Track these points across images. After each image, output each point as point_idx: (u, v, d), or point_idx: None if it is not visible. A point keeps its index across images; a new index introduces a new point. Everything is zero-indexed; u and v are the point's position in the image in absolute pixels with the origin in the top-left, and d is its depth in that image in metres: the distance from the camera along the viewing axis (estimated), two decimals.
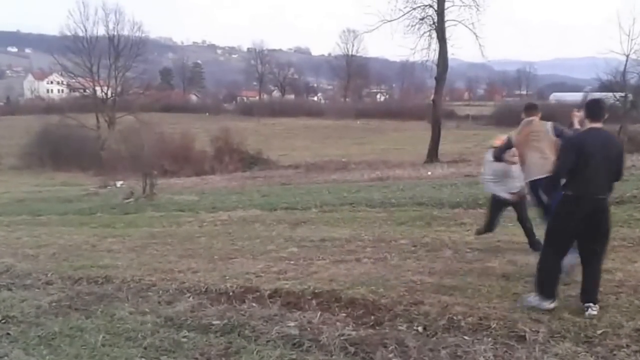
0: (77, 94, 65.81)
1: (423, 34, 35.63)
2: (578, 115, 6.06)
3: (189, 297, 5.77)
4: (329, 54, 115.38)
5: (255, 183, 26.06)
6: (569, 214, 4.78)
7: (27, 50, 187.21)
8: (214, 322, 4.91)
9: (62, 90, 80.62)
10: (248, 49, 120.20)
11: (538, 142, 6.11)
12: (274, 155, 40.60)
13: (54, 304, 5.75)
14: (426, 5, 35.29)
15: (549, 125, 6.18)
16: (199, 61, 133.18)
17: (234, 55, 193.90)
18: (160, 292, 5.99)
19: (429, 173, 23.63)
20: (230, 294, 5.79)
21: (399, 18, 35.11)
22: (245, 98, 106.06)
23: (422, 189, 15.69)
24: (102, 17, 61.41)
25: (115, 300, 5.76)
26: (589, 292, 4.81)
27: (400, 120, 67.84)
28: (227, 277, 6.44)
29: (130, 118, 52.10)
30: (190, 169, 36.14)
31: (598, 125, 4.83)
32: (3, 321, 5.20)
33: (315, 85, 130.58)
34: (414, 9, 35.20)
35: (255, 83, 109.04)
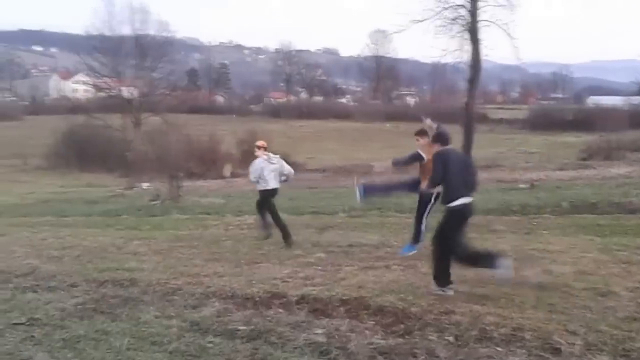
0: (103, 94, 66.62)
1: (455, 35, 35.07)
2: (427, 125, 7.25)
3: (214, 301, 5.70)
4: (358, 55, 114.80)
5: (281, 186, 25.94)
6: None
7: (53, 50, 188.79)
8: (240, 328, 4.84)
9: (88, 90, 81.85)
10: (275, 49, 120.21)
11: None
12: (301, 158, 40.51)
13: (79, 306, 5.72)
14: (458, 5, 34.75)
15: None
16: (225, 62, 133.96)
17: (261, 56, 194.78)
18: (186, 296, 5.93)
19: None
20: (257, 299, 5.72)
21: (429, 18, 34.59)
22: (272, 99, 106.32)
23: None
24: (127, 16, 62.05)
25: (141, 304, 5.72)
26: None
27: None
28: (254, 282, 6.37)
29: (156, 119, 52.57)
30: (216, 172, 36.27)
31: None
32: (27, 323, 5.18)
33: (344, 87, 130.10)
34: (446, 9, 34.65)
35: (282, 84, 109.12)
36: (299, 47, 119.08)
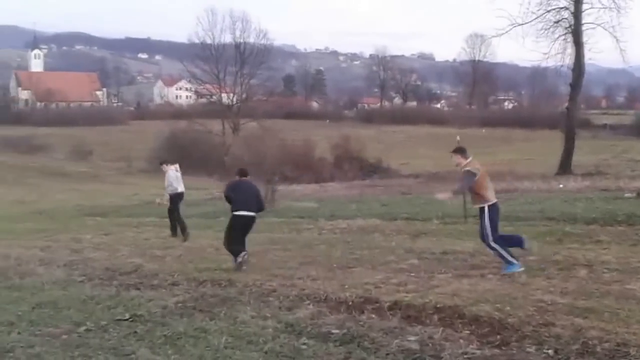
0: (204, 100, 69.48)
1: (557, 38, 33.63)
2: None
3: (308, 304, 5.76)
4: (454, 60, 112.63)
5: (374, 192, 26.01)
6: None
7: (157, 57, 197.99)
8: (334, 331, 4.86)
9: (190, 97, 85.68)
10: (370, 55, 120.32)
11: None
12: (394, 163, 40.29)
13: (179, 304, 5.93)
14: (561, 8, 33.32)
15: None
16: (321, 68, 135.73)
17: (355, 62, 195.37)
18: (281, 297, 6.04)
19: (561, 186, 22.29)
20: (350, 303, 5.72)
21: (531, 21, 33.41)
22: (365, 105, 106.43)
23: (552, 203, 14.81)
24: (229, 24, 64.23)
25: (238, 304, 5.86)
26: None
27: (530, 129, 64.39)
28: (346, 286, 6.38)
29: (253, 124, 54.15)
30: (310, 176, 36.78)
31: None
32: (131, 319, 5.38)
33: (438, 92, 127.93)
34: (548, 11, 33.34)
35: (376, 90, 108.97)
36: (393, 53, 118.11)
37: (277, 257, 8.86)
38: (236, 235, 8.29)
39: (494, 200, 7.28)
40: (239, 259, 7.96)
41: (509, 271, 6.93)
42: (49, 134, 58.98)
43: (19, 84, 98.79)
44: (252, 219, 8.36)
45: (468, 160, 7.41)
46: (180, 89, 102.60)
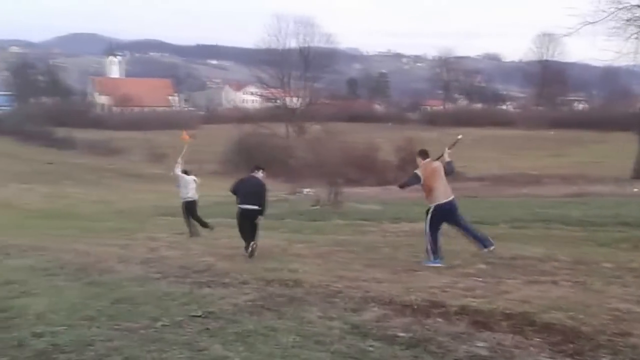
0: (269, 104, 70.64)
1: (630, 37, 32.22)
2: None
3: (374, 306, 5.77)
4: (520, 60, 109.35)
5: None
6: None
7: (226, 63, 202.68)
8: (400, 334, 4.85)
9: (256, 101, 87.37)
10: (433, 57, 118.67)
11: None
12: (458, 166, 39.46)
13: (249, 302, 6.04)
14: (633, 6, 31.89)
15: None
16: (384, 71, 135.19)
17: (419, 64, 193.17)
18: (346, 299, 6.07)
19: (636, 190, 21.36)
20: (415, 307, 5.69)
21: (601, 20, 32.14)
22: (429, 107, 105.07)
23: (628, 208, 14.24)
24: (294, 29, 65.11)
25: (304, 304, 5.94)
26: None
27: (602, 131, 61.52)
28: (411, 290, 6.36)
29: (317, 127, 54.60)
30: (373, 179, 36.68)
31: None
32: (203, 316, 5.52)
33: (505, 93, 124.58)
34: (619, 9, 31.97)
35: (440, 92, 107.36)
36: (458, 54, 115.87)
37: (342, 258, 8.93)
38: (243, 226, 9.44)
39: (442, 201, 8.30)
40: (249, 250, 9.17)
41: (427, 264, 8.03)
42: (125, 138, 61.48)
43: (97, 90, 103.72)
44: (253, 211, 9.37)
45: (424, 162, 8.47)
46: (247, 93, 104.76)
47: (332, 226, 13.94)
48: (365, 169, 37.98)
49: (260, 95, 76.21)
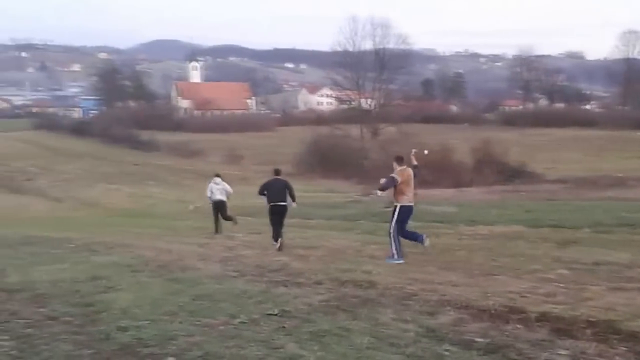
0: (344, 106, 70.88)
1: None
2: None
3: (449, 310, 5.69)
4: (605, 58, 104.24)
5: (516, 197, 24.92)
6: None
7: (302, 66, 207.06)
8: (477, 340, 4.75)
9: (331, 103, 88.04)
10: (513, 56, 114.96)
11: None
12: (538, 168, 38.13)
13: (323, 302, 6.10)
14: None
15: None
16: (460, 71, 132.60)
17: (497, 63, 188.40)
18: (421, 302, 6.02)
19: None
20: (493, 312, 5.56)
21: None
22: (506, 107, 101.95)
23: None
24: (369, 31, 65.07)
25: (378, 306, 5.93)
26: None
27: None
28: (489, 294, 6.22)
29: (391, 129, 54.23)
30: (448, 180, 35.97)
31: None
32: (279, 315, 5.62)
33: (588, 92, 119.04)
34: None
35: (519, 91, 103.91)
36: (539, 52, 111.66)
37: (416, 261, 8.84)
38: (274, 221, 11.29)
39: (407, 204, 9.28)
40: (277, 244, 10.77)
41: (389, 262, 8.83)
42: (204, 140, 63.50)
43: (179, 94, 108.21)
44: (283, 207, 11.46)
45: (400, 168, 9.31)
46: (322, 95, 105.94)
47: None
48: (440, 170, 37.25)
49: (335, 97, 76.63)
